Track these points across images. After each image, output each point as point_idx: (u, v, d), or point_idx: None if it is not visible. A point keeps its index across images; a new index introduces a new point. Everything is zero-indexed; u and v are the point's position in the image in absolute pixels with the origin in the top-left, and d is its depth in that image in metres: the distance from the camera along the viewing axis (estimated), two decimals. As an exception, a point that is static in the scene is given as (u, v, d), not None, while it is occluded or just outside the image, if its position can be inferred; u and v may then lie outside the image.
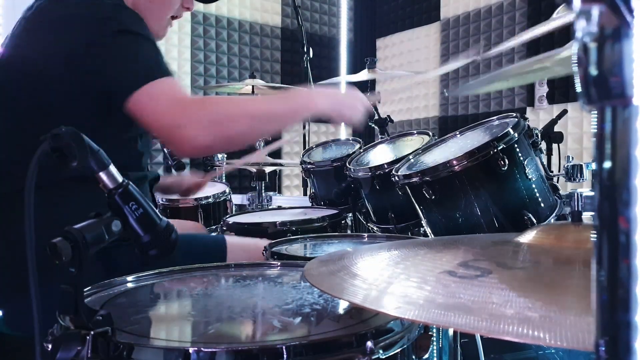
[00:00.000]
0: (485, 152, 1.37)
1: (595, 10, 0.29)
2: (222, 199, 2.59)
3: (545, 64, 1.09)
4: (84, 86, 1.18)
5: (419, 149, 1.77)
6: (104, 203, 0.72)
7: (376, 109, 2.71)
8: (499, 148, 1.36)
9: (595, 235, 0.31)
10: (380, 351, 0.66)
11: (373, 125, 2.75)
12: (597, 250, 0.31)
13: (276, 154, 4.71)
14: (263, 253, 1.26)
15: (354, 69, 5.30)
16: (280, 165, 3.89)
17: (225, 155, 2.97)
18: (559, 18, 1.16)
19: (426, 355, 0.75)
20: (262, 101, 1.30)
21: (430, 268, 0.67)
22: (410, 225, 1.80)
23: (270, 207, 3.00)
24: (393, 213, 1.82)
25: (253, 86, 3.19)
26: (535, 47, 3.76)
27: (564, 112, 2.66)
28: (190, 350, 0.62)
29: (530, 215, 1.38)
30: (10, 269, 1.16)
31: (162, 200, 2.52)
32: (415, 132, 2.19)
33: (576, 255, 0.68)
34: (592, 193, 0.31)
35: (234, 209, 2.75)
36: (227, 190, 2.66)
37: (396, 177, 1.55)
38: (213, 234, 2.59)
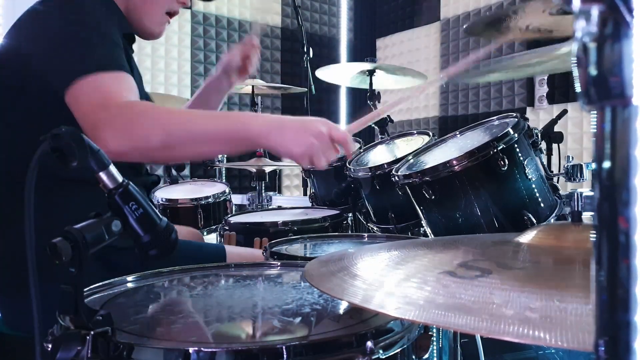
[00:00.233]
0: (485, 152, 1.37)
1: (595, 10, 0.29)
2: (221, 199, 2.59)
3: (542, 59, 1.08)
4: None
5: (419, 149, 1.77)
6: (104, 203, 0.72)
7: (384, 121, 2.50)
8: (499, 148, 1.36)
9: (595, 235, 0.31)
10: (380, 351, 0.66)
11: (373, 125, 2.75)
12: (597, 250, 0.31)
13: (276, 154, 4.69)
14: (263, 253, 1.26)
15: (354, 69, 5.29)
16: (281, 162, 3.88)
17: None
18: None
19: (426, 355, 0.75)
20: (189, 118, 1.16)
21: (430, 268, 0.67)
22: (410, 226, 1.81)
23: (270, 207, 3.00)
24: (393, 213, 1.83)
25: (253, 86, 3.18)
26: (535, 42, 3.75)
27: (564, 112, 2.66)
28: (190, 350, 0.62)
29: (530, 215, 1.38)
30: (10, 268, 1.16)
31: (161, 201, 2.52)
32: (415, 132, 2.20)
33: (576, 255, 0.68)
34: (592, 193, 0.31)
35: (233, 209, 2.74)
36: (227, 190, 2.66)
37: (396, 177, 1.55)
38: (213, 234, 2.60)
